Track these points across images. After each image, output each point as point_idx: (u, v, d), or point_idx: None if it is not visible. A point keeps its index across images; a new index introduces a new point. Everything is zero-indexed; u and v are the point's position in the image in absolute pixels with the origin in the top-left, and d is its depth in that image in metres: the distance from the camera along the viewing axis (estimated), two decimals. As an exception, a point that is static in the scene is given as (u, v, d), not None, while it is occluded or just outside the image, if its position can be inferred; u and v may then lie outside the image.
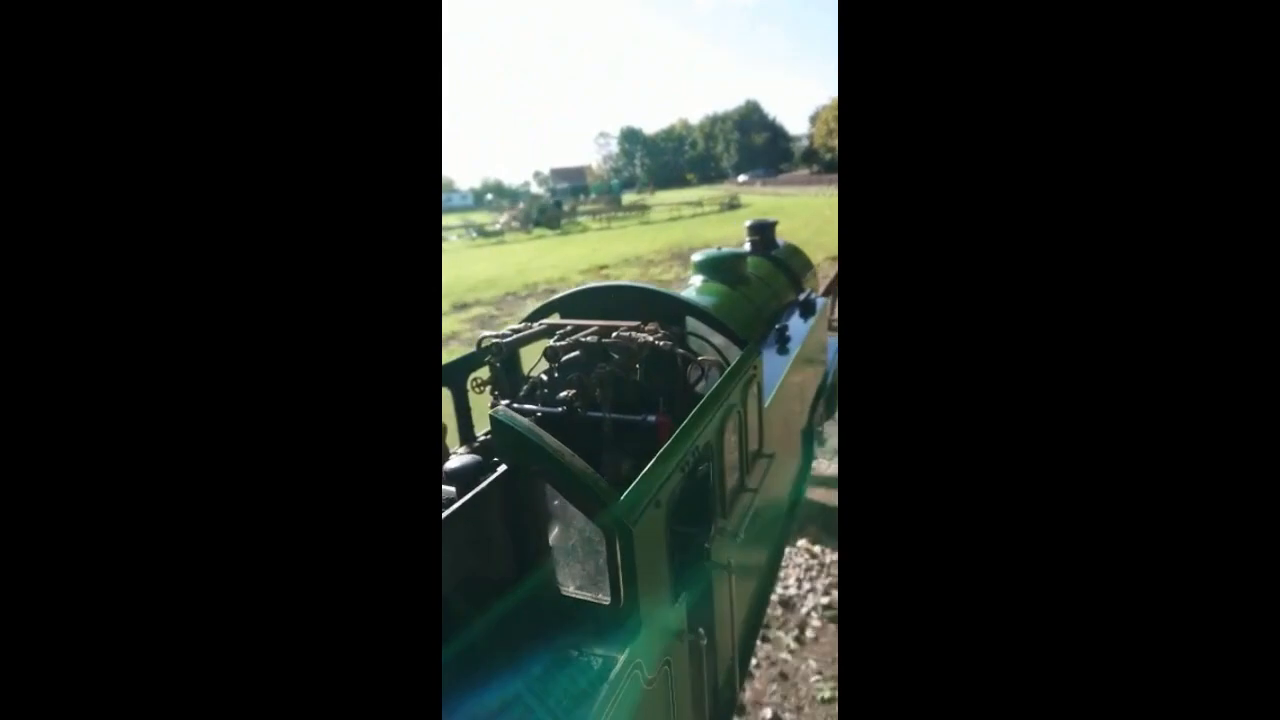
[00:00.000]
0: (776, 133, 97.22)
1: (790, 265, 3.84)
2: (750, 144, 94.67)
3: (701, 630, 1.52)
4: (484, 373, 1.98)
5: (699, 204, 35.05)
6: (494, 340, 1.92)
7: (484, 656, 1.18)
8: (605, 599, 1.25)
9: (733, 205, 35.16)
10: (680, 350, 1.88)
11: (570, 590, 1.34)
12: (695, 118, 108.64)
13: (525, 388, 1.91)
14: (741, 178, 73.46)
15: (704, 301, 2.43)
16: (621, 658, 1.14)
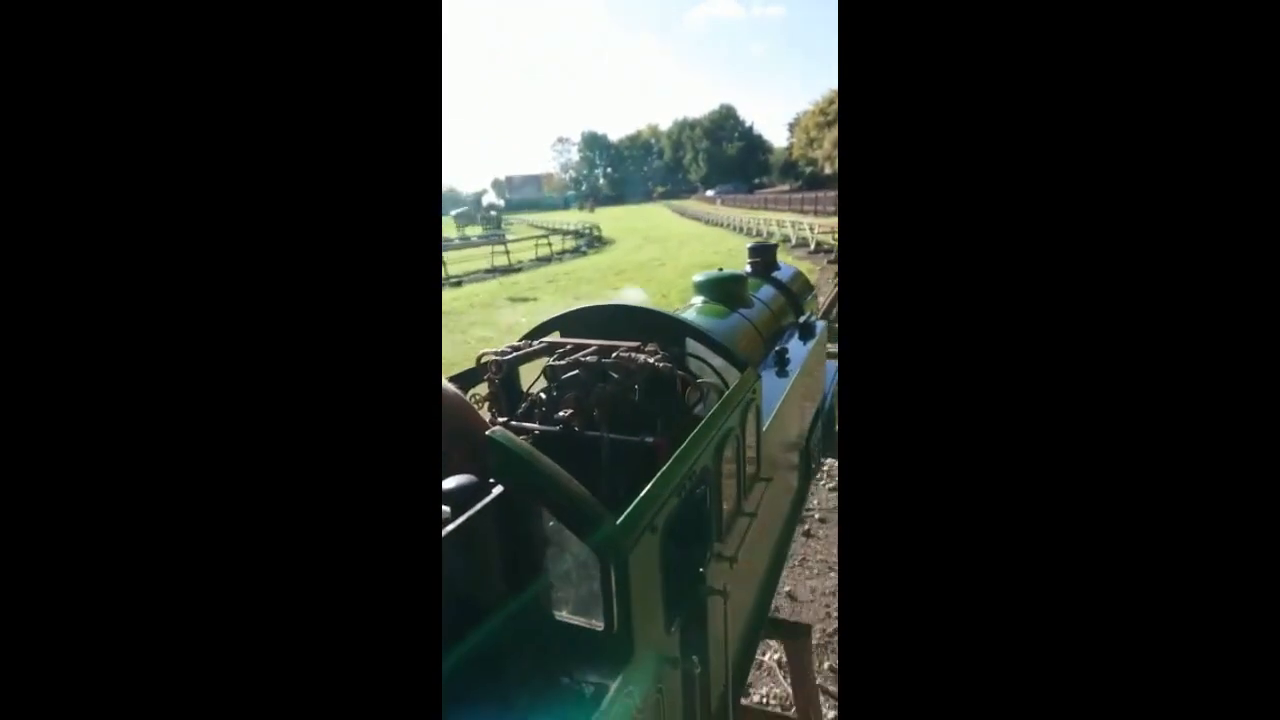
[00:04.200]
0: (752, 142, 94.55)
1: (790, 288, 3.93)
2: (722, 154, 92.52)
3: (695, 658, 1.57)
4: (482, 389, 2.06)
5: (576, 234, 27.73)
6: (493, 357, 2.02)
7: (474, 681, 1.23)
8: (599, 624, 1.29)
9: (594, 241, 26.74)
10: (680, 372, 1.98)
11: (564, 615, 1.41)
12: (667, 124, 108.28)
13: (524, 405, 2.01)
14: (709, 193, 72.94)
15: (704, 323, 2.51)
16: (614, 685, 1.18)
